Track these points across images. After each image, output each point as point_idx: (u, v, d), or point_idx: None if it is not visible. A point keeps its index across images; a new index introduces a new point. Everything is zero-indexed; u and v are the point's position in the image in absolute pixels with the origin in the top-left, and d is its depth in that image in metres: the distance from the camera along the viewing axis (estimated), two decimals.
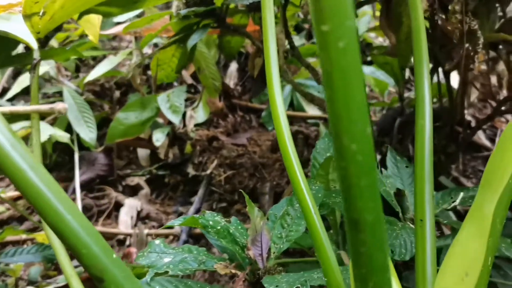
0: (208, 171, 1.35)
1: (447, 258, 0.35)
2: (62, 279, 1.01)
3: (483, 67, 0.93)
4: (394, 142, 1.23)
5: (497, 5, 0.96)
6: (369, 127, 0.24)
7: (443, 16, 0.87)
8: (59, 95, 1.38)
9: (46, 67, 1.28)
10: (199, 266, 0.56)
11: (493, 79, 1.30)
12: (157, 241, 0.61)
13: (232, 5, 1.10)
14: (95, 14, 0.96)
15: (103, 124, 1.41)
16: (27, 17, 0.65)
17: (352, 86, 0.23)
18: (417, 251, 0.44)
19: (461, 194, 0.68)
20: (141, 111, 1.32)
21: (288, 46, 1.06)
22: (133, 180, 1.31)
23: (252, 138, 1.50)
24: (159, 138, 1.27)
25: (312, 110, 1.60)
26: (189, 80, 1.64)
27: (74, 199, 1.22)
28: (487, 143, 1.44)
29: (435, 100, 1.24)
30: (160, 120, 1.42)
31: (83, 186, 1.26)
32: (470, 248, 0.35)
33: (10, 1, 0.64)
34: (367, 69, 1.38)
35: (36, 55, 0.72)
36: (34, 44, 0.71)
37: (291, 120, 1.60)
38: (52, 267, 1.07)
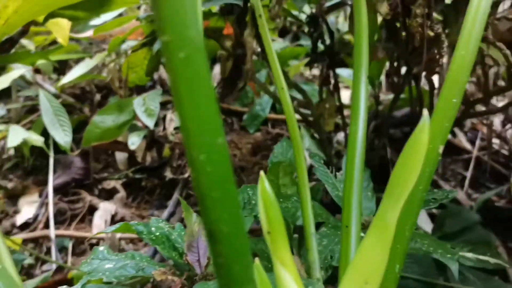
0: (186, 175, 1.34)
1: (349, 268, 0.35)
2: (30, 283, 1.01)
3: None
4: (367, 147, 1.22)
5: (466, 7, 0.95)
6: (221, 138, 0.23)
7: (407, 20, 0.86)
8: (37, 98, 1.38)
9: (22, 69, 1.27)
10: (137, 273, 0.55)
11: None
12: (101, 248, 0.61)
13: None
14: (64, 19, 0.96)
15: (81, 127, 1.40)
16: None
17: (198, 96, 0.22)
18: (341, 257, 0.43)
19: None
20: (118, 114, 1.31)
21: (259, 49, 1.06)
22: (109, 184, 1.31)
23: (233, 141, 1.49)
24: (134, 141, 1.26)
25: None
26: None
27: (47, 203, 1.22)
28: (467, 145, 1.42)
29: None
30: (139, 123, 1.41)
31: (58, 189, 1.26)
32: (370, 257, 0.34)
33: None
34: (345, 72, 1.37)
35: None
36: None
37: (273, 123, 1.60)
38: (23, 271, 1.07)
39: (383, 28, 1.01)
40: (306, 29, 1.17)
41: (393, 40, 1.01)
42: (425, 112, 0.35)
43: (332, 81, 1.14)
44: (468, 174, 1.33)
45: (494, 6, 0.82)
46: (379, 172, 0.91)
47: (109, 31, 1.01)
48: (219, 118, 0.23)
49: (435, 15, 0.99)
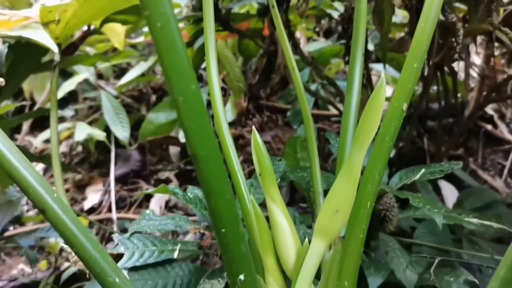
0: None
1: (325, 201, 0.43)
2: None
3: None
4: (403, 135, 1.27)
5: None
6: (194, 85, 0.33)
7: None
8: (99, 99, 1.54)
9: (86, 74, 1.44)
10: (175, 228, 0.66)
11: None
12: (147, 211, 0.72)
13: (240, 9, 1.20)
14: (118, 24, 1.09)
15: (138, 125, 1.55)
16: (45, 25, 0.78)
17: (173, 54, 0.32)
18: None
19: (423, 170, 0.73)
20: (170, 111, 1.45)
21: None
22: (163, 174, 1.44)
23: (277, 136, 1.58)
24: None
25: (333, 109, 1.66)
26: (221, 83, 1.75)
27: (109, 191, 1.37)
28: (509, 136, 1.43)
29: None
30: None
31: (119, 179, 1.40)
32: (340, 191, 0.42)
33: (27, 13, 0.78)
34: (378, 67, 1.42)
35: (57, 57, 0.85)
36: (54, 47, 0.84)
37: (316, 118, 1.67)
38: None
39: (408, 22, 1.07)
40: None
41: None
42: (383, 74, 0.43)
43: (365, 75, 1.21)
44: (508, 163, 1.34)
45: None
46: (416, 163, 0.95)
47: None
48: (192, 71, 0.32)
49: (457, 4, 1.03)
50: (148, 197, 1.38)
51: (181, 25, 1.14)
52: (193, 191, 0.71)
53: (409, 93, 0.45)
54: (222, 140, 0.54)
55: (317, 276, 0.47)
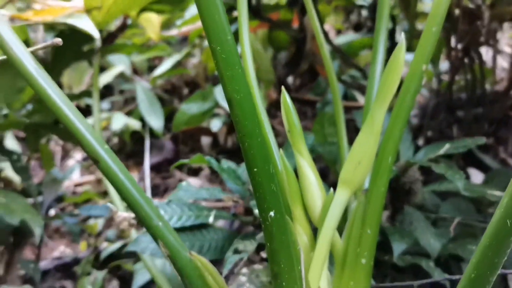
0: None
1: (349, 153, 0.47)
2: (131, 238, 1.21)
3: None
4: (432, 124, 1.28)
5: None
6: (229, 36, 0.37)
7: None
8: (134, 92, 1.61)
9: (122, 67, 1.51)
10: (210, 197, 0.70)
11: None
12: (184, 183, 0.77)
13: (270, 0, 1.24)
14: (154, 14, 1.15)
15: (171, 116, 1.61)
16: (88, 11, 0.84)
17: (213, 11, 0.36)
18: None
19: (447, 145, 0.76)
20: (202, 102, 1.50)
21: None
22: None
23: (306, 127, 1.62)
24: (216, 124, 1.44)
25: (363, 100, 1.69)
26: None
27: (144, 178, 1.43)
28: None
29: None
30: (220, 112, 1.59)
31: (153, 168, 1.47)
32: (362, 145, 0.46)
33: (72, 1, 0.84)
34: (409, 56, 1.44)
35: (98, 43, 0.91)
36: (96, 33, 0.90)
37: (345, 109, 1.70)
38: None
39: None
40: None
41: (448, 19, 1.08)
42: (402, 35, 0.47)
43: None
44: None
45: None
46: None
47: (190, 24, 1.19)
48: (227, 24, 0.37)
49: None
50: None
51: None
52: (227, 163, 0.75)
53: (428, 55, 0.49)
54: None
55: (341, 228, 0.51)
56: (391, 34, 1.18)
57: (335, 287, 0.48)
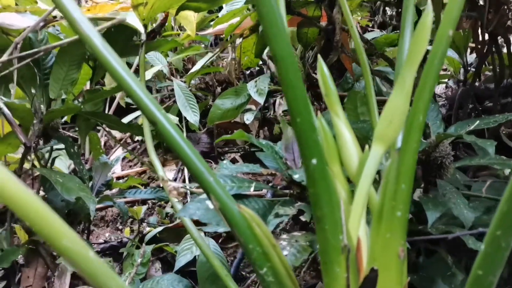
0: None
1: (382, 113, 0.51)
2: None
3: None
4: (460, 115, 1.30)
5: None
6: (287, 43, 0.42)
7: None
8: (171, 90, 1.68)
9: (159, 66, 1.59)
10: (250, 171, 0.76)
11: None
12: (224, 161, 0.82)
13: None
14: (191, 12, 1.22)
15: (206, 112, 1.67)
16: (135, 7, 0.91)
17: (273, 25, 0.41)
18: None
19: (477, 121, 0.79)
20: (235, 98, 1.56)
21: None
22: (230, 156, 1.55)
23: None
24: (249, 117, 1.49)
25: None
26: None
27: (182, 170, 1.49)
28: None
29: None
30: (252, 107, 1.64)
31: None
32: (393, 105, 0.50)
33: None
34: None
35: (143, 37, 0.98)
36: (141, 28, 0.97)
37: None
38: (166, 218, 1.33)
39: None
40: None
41: (474, 8, 1.11)
42: (429, 1, 0.51)
43: None
44: None
45: None
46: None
47: (225, 23, 1.25)
48: (287, 35, 0.41)
49: None
50: None
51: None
52: (265, 140, 0.81)
53: (454, 20, 0.52)
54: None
55: (375, 188, 0.55)
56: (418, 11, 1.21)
57: (372, 238, 0.52)
